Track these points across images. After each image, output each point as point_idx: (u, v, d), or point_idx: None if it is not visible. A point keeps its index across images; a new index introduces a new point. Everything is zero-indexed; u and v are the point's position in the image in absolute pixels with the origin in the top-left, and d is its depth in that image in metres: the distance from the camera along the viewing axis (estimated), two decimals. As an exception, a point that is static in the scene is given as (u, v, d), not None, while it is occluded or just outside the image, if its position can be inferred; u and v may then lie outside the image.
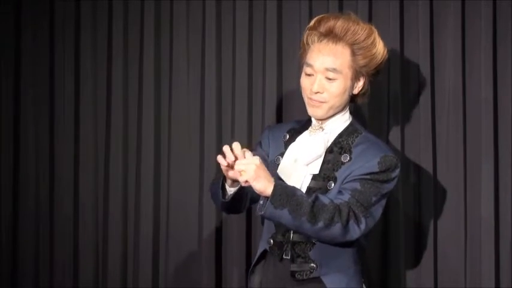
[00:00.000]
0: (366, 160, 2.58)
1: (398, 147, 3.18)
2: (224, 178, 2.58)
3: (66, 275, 3.43)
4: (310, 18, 3.24)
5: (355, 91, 2.67)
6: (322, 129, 2.67)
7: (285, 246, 2.64)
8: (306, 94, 2.65)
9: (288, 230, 2.63)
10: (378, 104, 3.21)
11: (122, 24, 3.40)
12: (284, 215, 2.46)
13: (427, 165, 3.16)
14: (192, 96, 3.37)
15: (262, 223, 2.76)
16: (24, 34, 3.45)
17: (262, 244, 2.72)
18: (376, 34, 2.66)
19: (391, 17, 3.21)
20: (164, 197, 3.38)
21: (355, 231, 2.53)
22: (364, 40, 2.63)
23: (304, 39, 2.68)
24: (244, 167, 2.44)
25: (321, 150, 2.63)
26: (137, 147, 3.41)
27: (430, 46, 3.17)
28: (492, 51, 3.11)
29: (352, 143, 2.64)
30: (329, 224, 2.48)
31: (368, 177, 2.56)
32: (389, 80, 3.21)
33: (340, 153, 2.63)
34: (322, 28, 2.64)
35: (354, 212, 2.52)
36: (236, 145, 2.46)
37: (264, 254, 2.72)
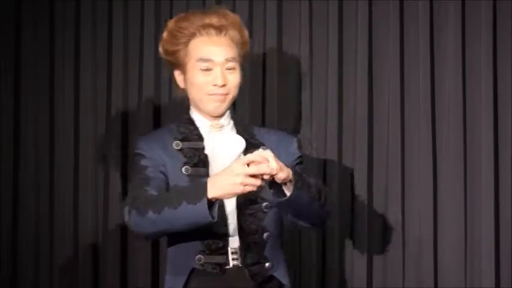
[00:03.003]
0: (286, 147, 2.58)
1: (398, 147, 3.19)
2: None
3: (66, 275, 3.43)
4: (310, 18, 3.26)
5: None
6: (223, 126, 2.60)
7: (226, 256, 2.50)
8: (205, 91, 2.54)
9: (225, 236, 2.50)
10: (379, 104, 3.22)
11: (122, 24, 3.40)
12: (303, 195, 2.37)
13: (426, 165, 3.16)
14: (192, 96, 3.36)
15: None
16: (24, 34, 3.44)
17: (184, 265, 2.50)
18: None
19: (391, 17, 3.21)
20: (164, 197, 3.37)
21: (332, 208, 2.56)
22: (239, 28, 2.59)
23: (182, 37, 2.56)
24: (269, 167, 2.28)
25: (242, 146, 2.49)
26: (137, 147, 3.40)
27: (430, 46, 3.17)
28: (492, 51, 3.11)
29: (257, 135, 2.60)
30: (324, 201, 2.44)
31: (298, 160, 2.58)
32: (389, 80, 3.21)
33: (258, 147, 2.51)
34: (199, 23, 2.55)
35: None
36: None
37: (190, 274, 2.50)
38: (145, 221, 2.39)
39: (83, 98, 3.43)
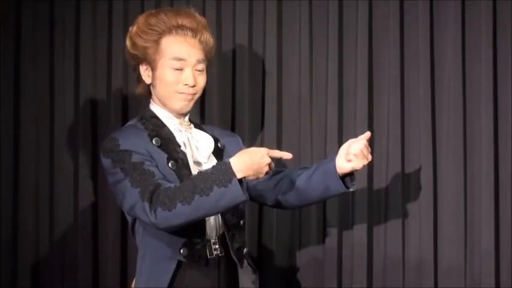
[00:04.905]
0: (233, 143, 2.75)
1: (399, 146, 3.19)
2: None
3: (66, 275, 3.42)
4: (310, 18, 3.26)
5: None
6: (190, 123, 2.70)
7: (213, 245, 2.58)
8: (174, 89, 2.61)
9: (205, 228, 2.56)
10: (379, 104, 3.22)
11: (122, 24, 3.40)
12: None
13: (426, 164, 3.16)
14: (192, 96, 3.36)
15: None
16: (24, 34, 3.44)
17: (168, 258, 2.52)
18: None
19: (391, 17, 3.21)
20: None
21: None
22: (209, 32, 2.69)
23: (153, 34, 2.62)
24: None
25: (212, 143, 2.66)
26: (137, 147, 3.39)
27: (430, 46, 3.17)
28: (492, 51, 3.11)
29: (207, 131, 2.71)
30: None
31: None
32: (389, 80, 3.21)
33: (218, 144, 2.70)
34: (173, 22, 2.63)
35: None
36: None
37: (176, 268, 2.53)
38: (175, 215, 2.39)
39: (83, 97, 3.42)
